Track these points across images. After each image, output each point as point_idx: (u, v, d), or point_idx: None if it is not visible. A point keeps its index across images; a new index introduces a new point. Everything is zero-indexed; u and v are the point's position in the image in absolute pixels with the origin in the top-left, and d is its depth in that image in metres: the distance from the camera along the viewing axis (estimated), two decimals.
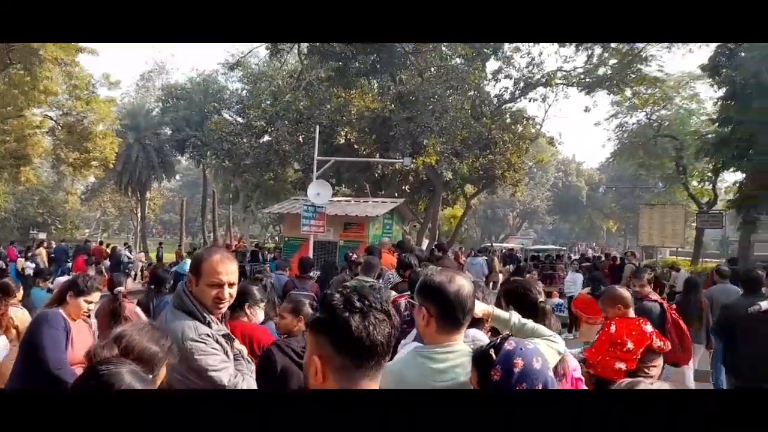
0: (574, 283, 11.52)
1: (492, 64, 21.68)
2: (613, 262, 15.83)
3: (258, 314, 3.53)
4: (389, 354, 1.34)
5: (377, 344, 1.27)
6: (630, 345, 3.98)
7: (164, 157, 36.42)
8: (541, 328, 2.20)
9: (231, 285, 2.33)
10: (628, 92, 22.45)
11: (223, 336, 2.35)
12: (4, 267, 14.73)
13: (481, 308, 2.11)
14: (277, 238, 41.16)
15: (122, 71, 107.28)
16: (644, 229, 30.57)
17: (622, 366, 3.96)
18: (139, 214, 41.78)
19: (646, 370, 4.05)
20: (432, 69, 18.34)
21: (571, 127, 58.48)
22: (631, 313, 4.16)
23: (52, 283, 7.94)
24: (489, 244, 33.22)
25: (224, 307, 2.37)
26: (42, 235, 31.76)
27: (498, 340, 1.67)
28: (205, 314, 2.29)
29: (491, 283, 13.51)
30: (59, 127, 22.41)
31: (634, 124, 30.45)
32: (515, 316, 2.21)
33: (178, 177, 52.19)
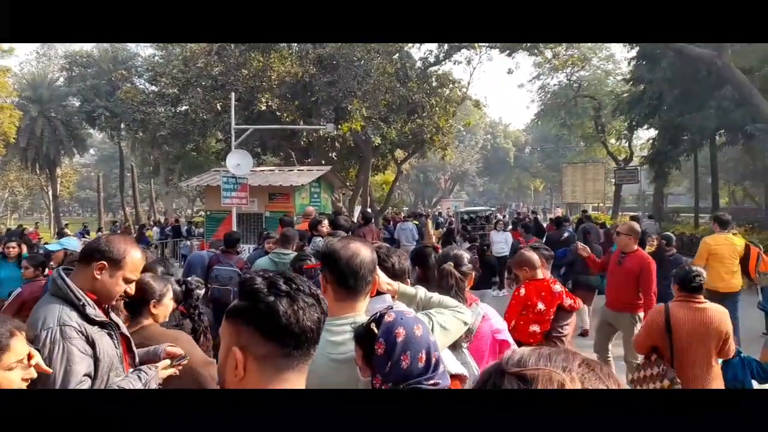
0: (505, 242, 11.77)
1: None
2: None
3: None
4: (318, 341, 1.23)
5: (306, 330, 1.17)
6: (541, 306, 4.05)
7: (73, 131, 34.35)
8: (446, 299, 2.19)
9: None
10: (548, 54, 22.83)
11: (102, 323, 2.18)
12: None
13: (385, 282, 2.09)
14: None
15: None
16: (568, 186, 31.88)
17: (536, 328, 4.06)
18: (50, 193, 39.20)
19: (560, 330, 4.10)
20: None
21: (497, 90, 59.66)
22: (539, 274, 4.18)
23: None
24: (421, 209, 33.56)
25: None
26: None
27: (377, 315, 1.65)
28: (80, 296, 2.13)
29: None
30: None
31: (555, 85, 31.36)
32: (421, 291, 2.19)
33: (92, 151, 49.38)
